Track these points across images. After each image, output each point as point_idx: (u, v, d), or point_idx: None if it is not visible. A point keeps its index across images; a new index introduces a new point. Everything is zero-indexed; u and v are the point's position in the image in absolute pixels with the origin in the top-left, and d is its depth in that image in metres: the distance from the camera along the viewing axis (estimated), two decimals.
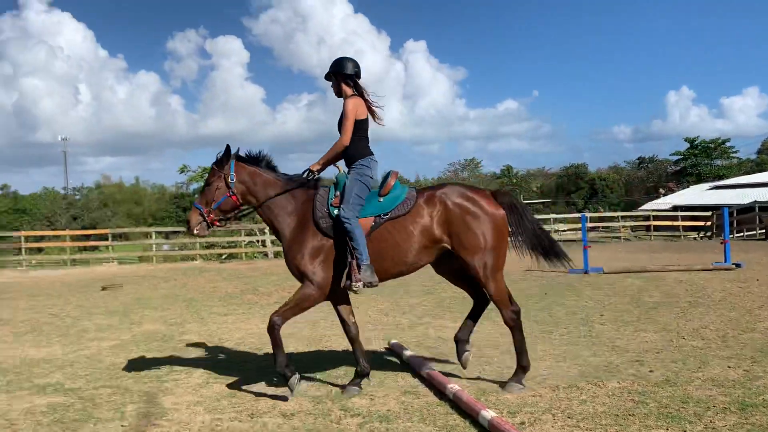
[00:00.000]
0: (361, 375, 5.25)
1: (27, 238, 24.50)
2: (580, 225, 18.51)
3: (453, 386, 4.80)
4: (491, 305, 5.45)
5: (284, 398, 5.00)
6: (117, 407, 4.95)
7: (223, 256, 25.01)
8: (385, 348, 6.75)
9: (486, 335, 7.26)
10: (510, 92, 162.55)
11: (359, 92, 5.27)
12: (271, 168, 5.38)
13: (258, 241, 30.75)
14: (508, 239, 5.28)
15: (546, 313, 8.62)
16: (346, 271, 4.95)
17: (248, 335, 7.89)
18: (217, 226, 5.36)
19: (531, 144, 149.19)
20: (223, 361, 6.54)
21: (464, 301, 9.93)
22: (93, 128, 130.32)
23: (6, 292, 13.41)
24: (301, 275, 5.07)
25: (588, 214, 24.40)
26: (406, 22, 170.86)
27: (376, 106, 5.31)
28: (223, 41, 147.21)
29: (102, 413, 4.81)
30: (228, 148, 5.26)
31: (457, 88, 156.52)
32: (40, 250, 34.77)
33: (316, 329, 8.08)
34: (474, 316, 5.54)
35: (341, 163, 5.36)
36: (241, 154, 5.30)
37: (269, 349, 6.90)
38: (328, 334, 7.74)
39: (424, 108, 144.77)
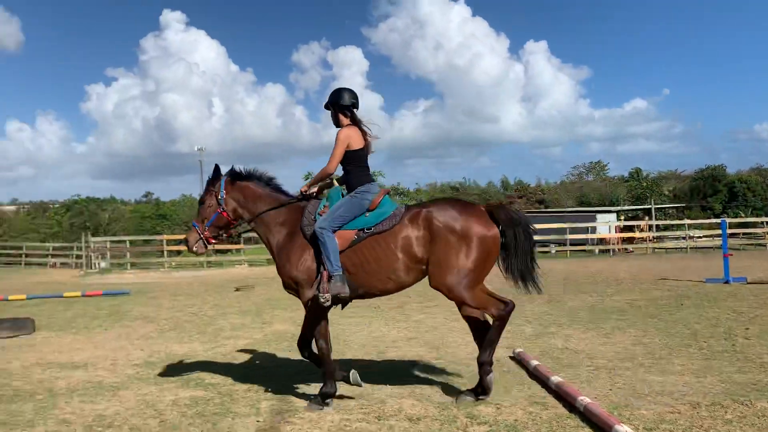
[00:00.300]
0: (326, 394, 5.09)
1: (168, 242, 26.48)
2: (716, 231, 17.24)
3: (584, 399, 4.62)
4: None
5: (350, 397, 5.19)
6: (252, 403, 5.21)
7: None
8: (510, 357, 6.62)
9: (620, 348, 6.92)
10: (638, 91, 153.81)
11: (355, 122, 5.26)
12: (268, 183, 5.46)
13: None
14: (495, 258, 5.05)
15: (682, 325, 8.09)
16: (317, 281, 4.96)
17: (372, 338, 8.03)
18: (213, 243, 5.47)
19: (662, 145, 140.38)
20: (348, 363, 6.70)
21: (592, 311, 9.56)
22: (225, 138, 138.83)
23: (151, 292, 14.56)
24: (293, 283, 5.17)
25: (728, 220, 22.66)
26: (525, 23, 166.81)
27: (371, 137, 5.28)
28: (344, 51, 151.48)
29: (239, 408, 5.09)
30: (216, 166, 5.45)
31: (581, 88, 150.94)
32: (179, 252, 37.37)
33: (436, 333, 8.10)
34: (482, 338, 5.20)
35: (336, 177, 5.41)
36: (238, 170, 5.43)
37: (392, 353, 7.03)
38: (449, 341, 7.72)
39: (545, 109, 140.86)
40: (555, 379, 5.29)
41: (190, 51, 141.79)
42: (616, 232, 30.17)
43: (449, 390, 5.42)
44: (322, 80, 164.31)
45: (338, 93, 5.33)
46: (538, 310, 9.88)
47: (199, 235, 5.34)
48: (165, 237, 26.72)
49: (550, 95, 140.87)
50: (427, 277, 5.05)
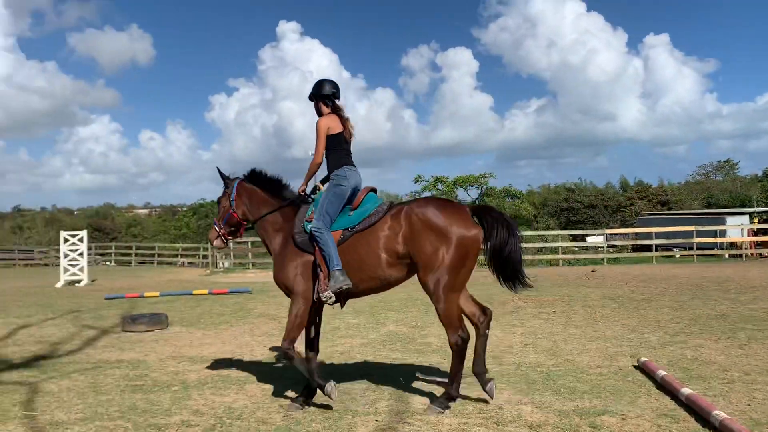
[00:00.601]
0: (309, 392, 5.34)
1: None
2: None
3: (719, 413, 4.32)
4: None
5: (329, 406, 5.16)
6: (371, 402, 5.31)
7: None
8: (634, 366, 6.32)
9: (759, 360, 6.42)
10: None
11: (335, 111, 5.49)
12: (274, 187, 5.64)
13: None
14: (475, 260, 5.01)
15: None
16: (316, 284, 5.10)
17: (488, 342, 7.92)
18: (230, 239, 5.85)
19: None
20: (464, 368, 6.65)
21: (724, 320, 8.92)
22: None
23: (271, 291, 15.18)
24: (286, 289, 5.34)
25: None
26: (645, 16, 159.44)
27: (351, 124, 5.51)
28: (453, 53, 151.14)
29: (358, 406, 5.19)
30: (217, 169, 5.83)
31: (707, 82, 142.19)
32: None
33: (554, 340, 7.88)
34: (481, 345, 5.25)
35: (320, 180, 5.54)
36: (249, 173, 5.73)
37: (509, 359, 6.89)
38: (567, 347, 7.48)
39: (667, 106, 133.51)
40: (685, 390, 4.99)
41: (304, 60, 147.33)
42: (748, 235, 27.94)
43: (568, 398, 5.26)
44: (430, 83, 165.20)
45: (319, 84, 5.59)
46: (663, 317, 9.35)
47: (218, 232, 5.76)
48: None
49: (672, 91, 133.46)
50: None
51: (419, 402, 5.28)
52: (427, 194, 43.40)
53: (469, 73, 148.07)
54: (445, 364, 6.71)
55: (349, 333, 8.93)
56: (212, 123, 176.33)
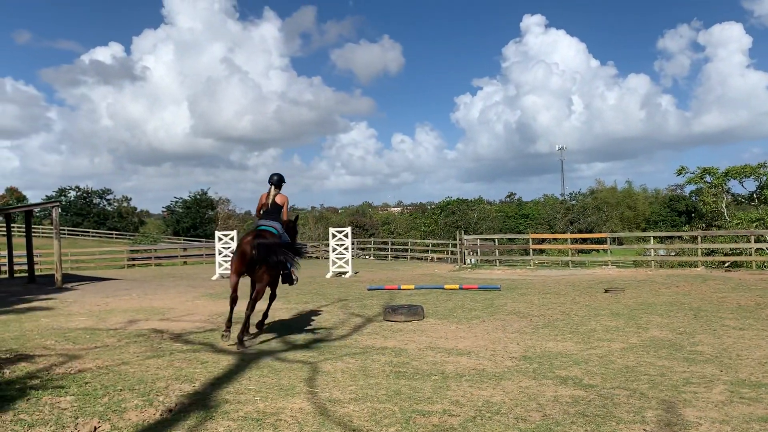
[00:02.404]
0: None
1: (533, 240, 27.18)
2: None
3: None
4: None
5: None
6: (636, 410, 4.99)
7: (726, 264, 22.81)
8: None
9: None
10: None
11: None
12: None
13: None
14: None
15: None
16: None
17: None
18: None
19: None
20: (746, 382, 5.91)
21: None
22: (585, 136, 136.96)
23: (520, 288, 15.12)
24: None
25: None
26: None
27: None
28: (719, 29, 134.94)
29: (622, 414, 4.92)
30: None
31: None
32: (542, 251, 37.96)
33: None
34: None
35: None
36: None
37: None
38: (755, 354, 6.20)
39: None
40: None
41: (549, 52, 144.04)
42: None
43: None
44: (692, 64, 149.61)
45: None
46: None
47: None
48: (530, 235, 27.47)
49: None
50: None
51: (693, 415, 4.81)
52: (691, 187, 39.33)
53: (740, 50, 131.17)
54: (723, 376, 6.04)
55: (607, 336, 8.49)
56: (457, 123, 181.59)
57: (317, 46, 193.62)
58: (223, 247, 22.31)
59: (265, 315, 9.39)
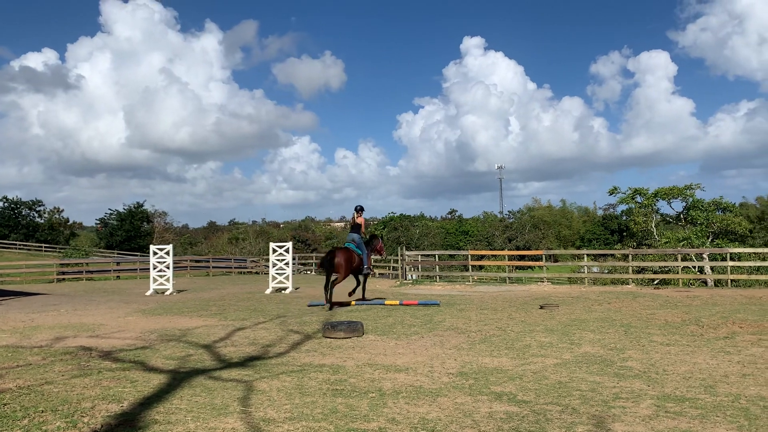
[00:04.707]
0: None
1: (472, 257, 27.61)
2: None
3: None
4: None
5: None
6: (568, 426, 5.09)
7: (655, 281, 23.72)
8: None
9: None
10: None
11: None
12: None
13: (695, 268, 28.23)
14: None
15: None
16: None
17: (696, 370, 7.25)
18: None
19: None
20: (671, 396, 6.13)
21: None
22: (522, 156, 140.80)
23: (458, 304, 15.29)
24: None
25: None
26: None
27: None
28: (647, 57, 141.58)
29: (554, 429, 5.01)
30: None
31: None
32: (481, 267, 38.55)
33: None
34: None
35: None
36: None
37: (722, 389, 6.21)
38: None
39: None
40: None
41: (488, 73, 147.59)
42: None
43: None
44: (622, 89, 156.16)
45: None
46: None
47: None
48: (470, 252, 27.87)
49: None
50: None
51: (621, 429, 4.95)
52: (623, 207, 40.83)
53: (666, 77, 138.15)
54: (650, 391, 6.24)
55: (541, 352, 8.66)
56: (399, 140, 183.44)
57: (258, 60, 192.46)
58: (158, 262, 21.68)
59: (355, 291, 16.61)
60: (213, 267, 40.69)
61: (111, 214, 70.01)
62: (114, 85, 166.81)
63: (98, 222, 74.86)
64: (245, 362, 8.04)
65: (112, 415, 5.38)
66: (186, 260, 41.11)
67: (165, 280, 21.51)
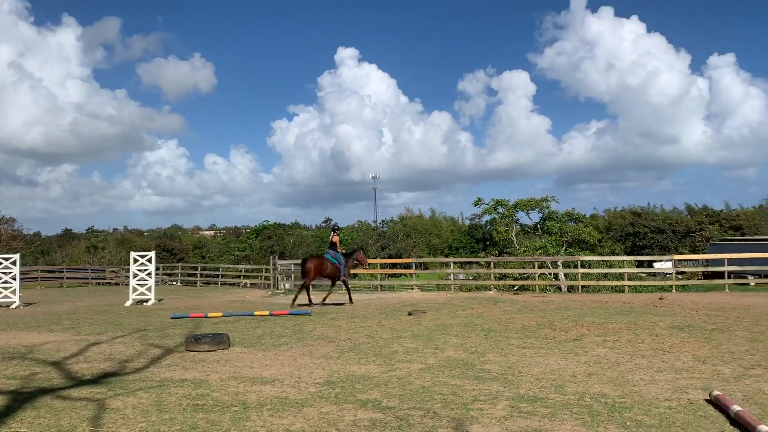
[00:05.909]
0: None
1: None
2: None
3: None
4: None
5: None
6: (428, 430, 5.24)
7: (515, 287, 25.12)
8: (706, 400, 6.02)
9: None
10: None
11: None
12: None
13: (551, 274, 30.15)
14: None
15: None
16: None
17: (548, 371, 7.74)
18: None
19: None
20: (525, 397, 6.50)
21: None
22: (394, 166, 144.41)
23: (330, 313, 15.31)
24: None
25: None
26: (708, 36, 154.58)
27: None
28: (509, 76, 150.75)
29: None
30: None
31: None
32: (354, 275, 38.66)
33: (616, 370, 7.59)
34: None
35: None
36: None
37: (571, 388, 6.68)
38: (634, 378, 7.20)
39: (735, 128, 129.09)
40: (762, 428, 4.71)
41: (362, 84, 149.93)
42: None
43: (637, 430, 5.05)
44: (487, 106, 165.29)
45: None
46: (737, 348, 8.89)
47: None
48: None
49: (739, 112, 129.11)
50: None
51: (478, 430, 5.17)
52: (487, 217, 42.93)
53: (526, 95, 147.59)
54: (506, 392, 6.57)
55: (407, 357, 8.86)
56: (273, 147, 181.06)
57: (122, 59, 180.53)
58: (3, 272, 19.84)
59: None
60: (68, 278, 37.94)
61: None
62: None
63: None
64: (99, 379, 7.53)
65: None
66: (36, 270, 37.95)
67: (11, 293, 19.74)
